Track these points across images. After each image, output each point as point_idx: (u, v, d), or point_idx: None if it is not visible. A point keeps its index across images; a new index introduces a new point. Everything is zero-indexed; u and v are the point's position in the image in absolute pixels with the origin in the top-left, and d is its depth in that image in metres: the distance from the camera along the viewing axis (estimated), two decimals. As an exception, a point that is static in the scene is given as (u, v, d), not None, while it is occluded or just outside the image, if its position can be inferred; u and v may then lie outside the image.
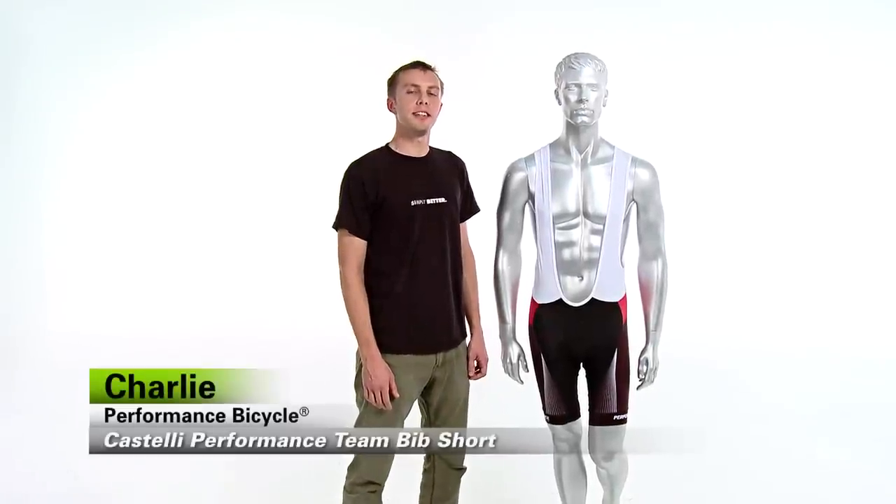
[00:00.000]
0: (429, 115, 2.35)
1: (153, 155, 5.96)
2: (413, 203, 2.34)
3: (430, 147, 2.45)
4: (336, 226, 2.38)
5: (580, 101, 2.33)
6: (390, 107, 2.41)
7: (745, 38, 5.60)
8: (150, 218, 5.96)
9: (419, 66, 2.38)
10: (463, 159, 2.55)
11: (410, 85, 2.34)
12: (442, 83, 2.40)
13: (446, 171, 2.46)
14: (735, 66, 5.61)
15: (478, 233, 2.70)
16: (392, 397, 2.33)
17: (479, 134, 4.79)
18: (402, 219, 2.33)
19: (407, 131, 2.39)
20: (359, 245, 2.34)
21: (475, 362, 2.54)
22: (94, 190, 5.97)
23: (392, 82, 2.41)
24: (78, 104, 5.89)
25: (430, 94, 2.35)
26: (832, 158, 5.58)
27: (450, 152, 2.52)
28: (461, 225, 2.51)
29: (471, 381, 2.55)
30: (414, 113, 2.34)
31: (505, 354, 2.57)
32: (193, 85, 5.91)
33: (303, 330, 5.04)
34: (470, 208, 2.57)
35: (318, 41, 5.82)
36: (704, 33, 5.62)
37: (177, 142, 5.96)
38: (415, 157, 2.41)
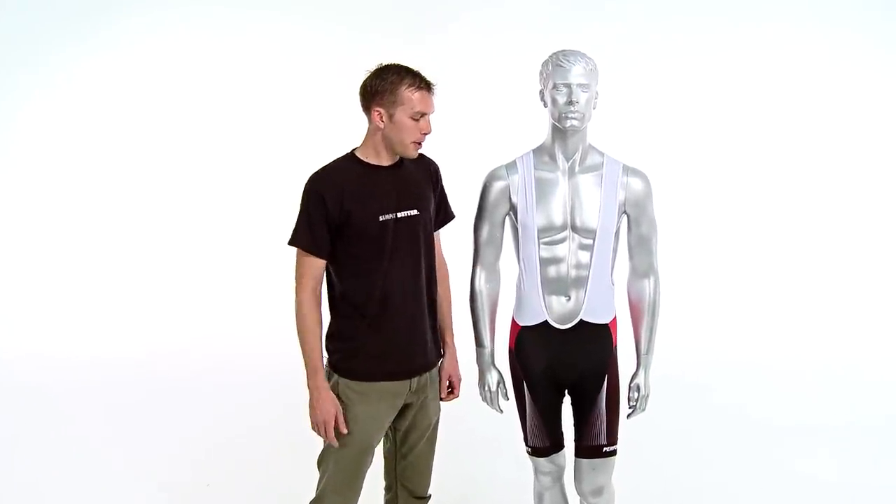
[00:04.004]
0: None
1: (112, 158, 5.55)
2: (381, 218, 2.09)
3: None
4: (291, 242, 2.12)
5: (569, 102, 2.11)
6: (379, 119, 2.07)
7: (743, 40, 5.32)
8: (106, 228, 5.56)
9: (429, 89, 2.08)
10: (436, 162, 2.30)
11: (418, 112, 2.06)
12: None
13: (419, 178, 2.21)
14: (732, 70, 5.34)
15: (453, 246, 2.48)
16: (338, 434, 2.12)
17: (456, 138, 4.52)
18: (371, 236, 2.09)
19: (388, 147, 2.12)
20: (316, 265, 2.11)
21: (447, 383, 2.35)
22: (40, 196, 5.57)
23: (389, 93, 2.04)
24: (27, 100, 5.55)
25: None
26: (831, 171, 5.35)
27: (421, 154, 2.23)
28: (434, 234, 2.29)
29: (443, 404, 2.36)
30: (415, 142, 2.10)
31: (483, 381, 2.37)
32: (159, 82, 5.53)
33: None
34: (444, 216, 2.33)
35: (291, 38, 5.52)
36: (701, 32, 5.33)
37: (142, 144, 5.57)
38: (384, 167, 2.15)
